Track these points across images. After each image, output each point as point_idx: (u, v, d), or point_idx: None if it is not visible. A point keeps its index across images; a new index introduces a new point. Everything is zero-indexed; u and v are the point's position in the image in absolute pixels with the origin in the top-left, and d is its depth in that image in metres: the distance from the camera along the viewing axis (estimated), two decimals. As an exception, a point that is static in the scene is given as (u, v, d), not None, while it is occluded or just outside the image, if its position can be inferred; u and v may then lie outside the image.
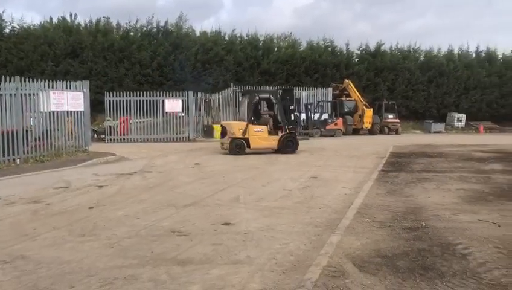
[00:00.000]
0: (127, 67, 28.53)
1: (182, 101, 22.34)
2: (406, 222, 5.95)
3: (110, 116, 21.59)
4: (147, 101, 21.80)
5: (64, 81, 14.45)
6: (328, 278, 3.91)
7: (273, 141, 15.35)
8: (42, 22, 30.26)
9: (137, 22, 30.81)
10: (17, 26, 29.28)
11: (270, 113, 16.27)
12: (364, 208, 6.76)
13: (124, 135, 21.63)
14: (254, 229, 5.66)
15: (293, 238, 5.29)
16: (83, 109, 14.87)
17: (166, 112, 22.04)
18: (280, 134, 15.42)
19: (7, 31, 29.10)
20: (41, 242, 5.15)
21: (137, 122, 22.00)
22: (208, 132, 23.25)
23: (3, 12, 31.08)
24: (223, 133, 15.52)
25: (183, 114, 22.37)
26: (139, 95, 21.88)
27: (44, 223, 6.04)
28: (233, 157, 14.40)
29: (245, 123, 15.08)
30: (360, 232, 5.44)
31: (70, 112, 14.38)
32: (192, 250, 4.85)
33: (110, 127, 21.56)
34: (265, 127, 15.23)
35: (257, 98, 15.61)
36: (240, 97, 18.78)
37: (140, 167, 11.87)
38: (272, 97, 15.79)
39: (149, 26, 30.83)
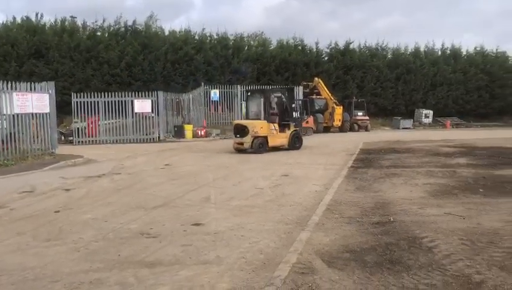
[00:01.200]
0: (94, 68, 27.99)
1: (152, 101, 22.04)
2: (374, 217, 6.03)
3: (77, 118, 21.12)
4: (115, 101, 21.42)
5: (29, 83, 14.04)
6: (297, 275, 3.92)
7: (284, 139, 16.10)
8: (4, 22, 29.38)
9: (104, 21, 30.32)
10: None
11: (275, 112, 16.11)
12: (333, 204, 6.83)
13: (92, 136, 21.20)
14: (224, 229, 5.63)
15: (263, 236, 5.28)
16: (48, 111, 14.48)
17: (136, 113, 21.72)
18: (287, 131, 16.19)
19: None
20: (3, 248, 4.98)
21: (106, 124, 21.59)
22: (179, 132, 23.04)
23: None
24: (240, 132, 15.46)
25: (153, 114, 22.09)
26: (108, 96, 21.47)
27: (8, 228, 5.85)
28: (203, 157, 14.33)
29: (264, 122, 15.44)
30: (330, 228, 5.49)
31: (36, 114, 13.98)
32: (161, 252, 4.78)
33: (78, 128, 21.09)
34: (277, 125, 15.76)
35: (273, 96, 16.07)
36: (244, 96, 20.79)
37: (108, 169, 11.65)
38: (283, 96, 16.42)
39: (117, 26, 30.38)
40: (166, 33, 31.87)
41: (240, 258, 4.50)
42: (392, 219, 5.86)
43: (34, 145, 14.03)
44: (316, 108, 28.24)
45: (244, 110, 26.91)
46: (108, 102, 21.35)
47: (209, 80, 29.20)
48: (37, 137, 14.23)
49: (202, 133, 23.63)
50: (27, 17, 29.38)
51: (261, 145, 15.23)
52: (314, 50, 34.76)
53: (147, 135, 21.97)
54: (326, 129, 28.17)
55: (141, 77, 28.60)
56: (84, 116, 21.05)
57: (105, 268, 4.30)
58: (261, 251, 4.75)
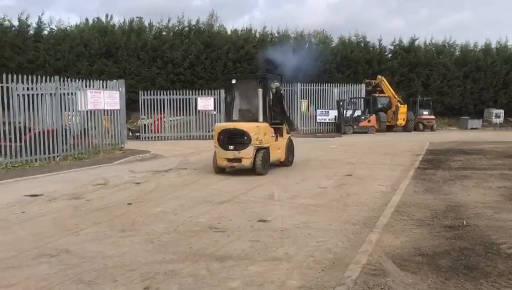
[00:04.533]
0: (159, 66, 28.96)
1: (214, 99, 22.50)
2: (446, 220, 5.81)
3: (144, 115, 22.01)
4: (180, 99, 22.11)
5: (101, 81, 14.80)
6: (368, 276, 3.87)
7: (280, 150, 11.08)
8: (78, 23, 31.11)
9: (169, 21, 31.27)
10: (55, 28, 30.20)
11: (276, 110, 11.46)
12: (402, 206, 6.65)
13: (158, 132, 21.99)
14: (290, 227, 5.65)
15: (330, 236, 5.25)
16: (119, 108, 15.19)
17: (199, 110, 22.27)
18: (280, 138, 11.16)
19: (46, 32, 30.03)
20: (83, 237, 5.30)
21: (170, 120, 22.33)
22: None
23: (42, 14, 32.12)
24: (232, 141, 9.97)
25: (215, 112, 22.53)
26: (172, 94, 22.21)
27: (86, 218, 6.21)
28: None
29: (267, 125, 10.43)
30: (399, 230, 5.36)
31: (107, 110, 14.72)
32: (230, 246, 4.88)
33: (144, 125, 21.96)
34: (273, 129, 10.79)
35: (273, 87, 10.70)
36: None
37: (175, 164, 12.04)
38: (280, 86, 11.13)
39: (181, 26, 31.22)
40: (229, 32, 32.35)
41: (308, 257, 4.50)
42: (465, 223, 5.62)
43: (105, 140, 14.78)
44: (379, 106, 27.54)
45: (304, 108, 26.92)
46: (173, 99, 22.08)
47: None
48: (108, 132, 14.97)
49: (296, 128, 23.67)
50: (98, 19, 30.96)
51: (266, 161, 10.16)
52: (377, 47, 33.87)
53: (209, 131, 22.43)
54: (389, 128, 27.40)
55: (203, 76, 29.25)
56: (151, 113, 21.88)
57: (178, 260, 4.46)
58: (329, 250, 4.72)
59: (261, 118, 10.28)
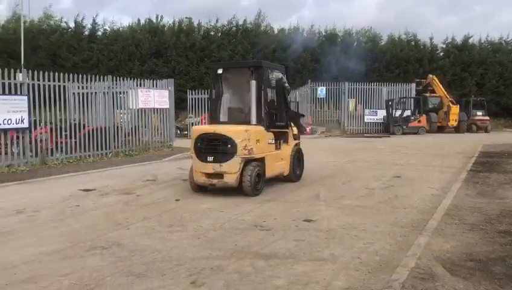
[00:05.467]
0: (207, 66, 29.43)
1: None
2: (500, 225, 5.57)
3: (192, 114, 22.41)
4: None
5: (151, 80, 15.22)
6: (416, 280, 3.77)
7: (283, 161, 8.63)
8: (130, 24, 32.16)
9: (217, 21, 31.73)
10: (108, 29, 31.38)
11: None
12: (453, 209, 6.43)
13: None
14: (336, 227, 5.60)
15: (377, 238, 5.16)
16: (168, 106, 15.58)
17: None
18: (285, 145, 8.79)
19: (99, 33, 31.24)
20: (133, 231, 5.47)
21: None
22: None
23: (96, 16, 33.45)
24: (211, 149, 7.57)
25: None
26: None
27: (135, 213, 6.42)
28: (308, 153, 14.26)
29: (261, 128, 7.88)
30: (450, 234, 5.18)
31: (157, 109, 15.13)
32: (275, 245, 4.90)
33: (192, 123, 22.35)
34: (272, 134, 8.27)
35: (272, 78, 8.17)
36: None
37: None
38: (283, 78, 8.54)
39: (229, 25, 31.58)
40: (275, 31, 32.42)
41: (354, 258, 4.44)
42: (522, 229, 5.36)
43: (155, 137, 15.21)
44: (430, 106, 26.71)
45: (351, 107, 26.52)
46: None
47: (316, 76, 29.11)
48: (157, 130, 15.39)
49: (308, 130, 23.66)
50: (149, 19, 31.87)
51: (258, 179, 7.64)
52: (428, 46, 32.92)
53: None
54: (440, 129, 26.50)
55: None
56: (198, 112, 22.25)
57: (224, 256, 4.52)
58: (376, 252, 4.64)
59: (254, 119, 7.82)
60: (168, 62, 29.54)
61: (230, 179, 7.42)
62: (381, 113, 25.84)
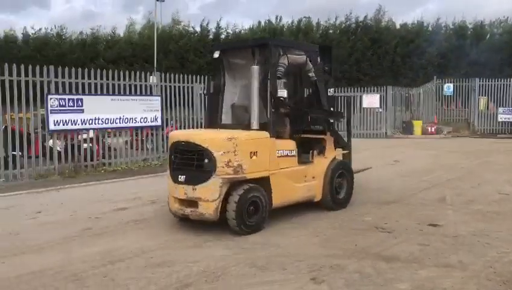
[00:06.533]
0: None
1: (380, 96, 21.88)
2: None
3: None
4: (344, 97, 22.04)
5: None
6: None
7: (312, 182, 6.20)
8: (251, 26, 33.33)
9: (336, 19, 31.42)
10: (231, 32, 32.89)
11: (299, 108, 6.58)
12: None
13: (321, 130, 22.28)
14: (465, 233, 5.22)
15: (513, 247, 4.71)
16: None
17: (364, 108, 21.90)
18: (318, 158, 6.42)
19: (223, 36, 32.89)
20: (255, 225, 5.68)
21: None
22: (407, 128, 22.27)
23: (220, 20, 35.22)
24: (185, 164, 5.48)
25: (381, 110, 21.90)
26: (337, 91, 22.23)
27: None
28: (434, 155, 13.42)
29: (262, 133, 5.58)
30: None
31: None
32: (397, 247, 4.74)
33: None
34: (292, 143, 6.03)
35: (283, 63, 5.78)
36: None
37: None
38: (310, 62, 6.15)
39: (348, 23, 31.09)
40: (397, 27, 31.13)
41: (487, 267, 4.12)
42: None
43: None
44: None
45: (482, 105, 24.37)
46: (337, 97, 22.11)
47: (442, 72, 27.27)
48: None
49: (432, 130, 22.29)
50: (269, 21, 32.71)
51: (254, 211, 5.35)
52: None
53: (373, 130, 21.93)
54: None
55: (369, 72, 28.68)
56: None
57: (343, 255, 4.50)
58: (512, 262, 4.25)
59: (255, 120, 5.61)
60: (287, 62, 30.03)
61: (207, 209, 5.18)
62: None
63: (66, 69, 10.23)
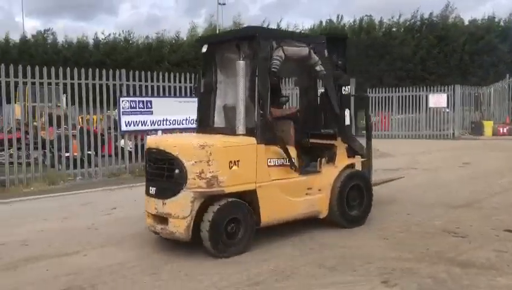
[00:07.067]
0: (388, 63, 28.62)
1: (448, 95, 21.02)
2: None
3: (371, 113, 22.06)
4: (408, 96, 21.40)
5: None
6: None
7: (315, 194, 5.34)
8: (312, 26, 33.23)
9: (400, 17, 30.59)
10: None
11: (294, 109, 6.33)
12: None
13: (384, 130, 21.79)
14: (546, 241, 4.94)
15: None
16: (348, 106, 15.63)
17: (430, 108, 21.13)
18: (326, 168, 5.51)
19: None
20: (325, 225, 5.66)
21: (398, 118, 21.84)
22: (476, 129, 21.24)
23: (280, 21, 35.41)
24: (157, 176, 4.83)
25: (448, 110, 21.04)
26: (401, 91, 21.65)
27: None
28: (506, 158, 12.69)
29: (246, 139, 4.82)
30: None
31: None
32: (472, 253, 4.57)
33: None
34: (292, 149, 5.19)
35: (277, 58, 4.92)
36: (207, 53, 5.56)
37: (404, 164, 11.75)
38: (313, 57, 5.25)
39: (412, 20, 30.18)
40: (466, 23, 29.77)
41: None
42: None
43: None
44: None
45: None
46: (401, 97, 21.52)
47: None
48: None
49: (505, 130, 21.11)
50: (330, 20, 32.43)
51: (234, 229, 4.61)
52: None
53: (440, 130, 21.11)
54: None
55: (435, 71, 27.66)
56: (377, 111, 21.81)
57: (415, 259, 4.40)
58: None
59: (241, 124, 4.84)
60: (348, 61, 29.55)
61: (177, 227, 4.51)
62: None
63: (136, 72, 10.74)
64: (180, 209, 4.48)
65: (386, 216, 6.14)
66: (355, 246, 4.86)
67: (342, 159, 5.62)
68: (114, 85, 10.40)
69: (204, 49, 5.41)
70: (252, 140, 4.77)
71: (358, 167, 6.14)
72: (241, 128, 4.83)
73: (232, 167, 4.56)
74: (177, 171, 4.50)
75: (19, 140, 9.16)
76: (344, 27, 31.63)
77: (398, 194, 7.68)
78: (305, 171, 5.33)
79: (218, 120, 5.55)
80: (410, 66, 28.07)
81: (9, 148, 9.55)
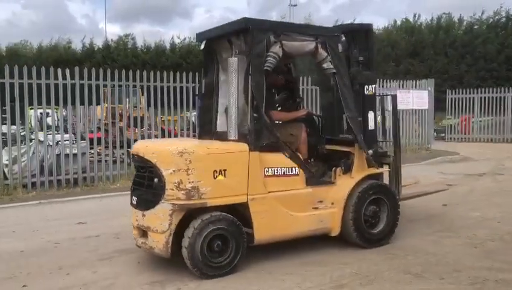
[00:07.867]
0: (469, 63, 27.18)
1: (539, 96, 19.54)
2: None
3: (450, 115, 21.05)
4: (492, 97, 20.11)
5: (411, 81, 15.01)
6: None
7: (325, 209, 4.68)
8: (386, 26, 32.34)
9: (482, 13, 28.92)
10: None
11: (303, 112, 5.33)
12: None
13: (464, 134, 20.68)
14: None
15: None
16: (427, 108, 15.08)
17: (517, 110, 19.75)
18: (339, 178, 4.85)
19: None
20: (400, 232, 5.50)
21: (480, 121, 20.62)
22: None
23: (353, 20, 34.75)
24: (139, 186, 4.42)
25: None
26: (484, 92, 20.41)
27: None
28: None
29: (240, 145, 4.26)
30: None
31: (415, 110, 14.83)
32: None
33: (450, 125, 21.03)
34: (297, 157, 4.58)
35: (274, 54, 4.31)
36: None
37: (488, 169, 11.10)
38: (321, 52, 4.59)
39: (496, 17, 28.42)
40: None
41: None
42: None
43: (412, 139, 14.93)
44: None
45: None
46: (484, 98, 20.28)
47: None
48: (415, 132, 15.07)
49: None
50: (406, 19, 31.40)
51: (222, 248, 4.08)
52: None
53: (527, 134, 19.67)
54: None
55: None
56: (457, 113, 20.75)
57: (509, 270, 4.16)
58: None
59: (233, 129, 4.35)
60: (425, 61, 28.47)
61: (156, 242, 4.09)
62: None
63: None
64: (159, 222, 4.03)
65: (474, 223, 5.87)
66: (441, 253, 4.67)
67: (360, 169, 4.89)
68: (193, 87, 10.74)
69: (202, 46, 4.97)
70: (244, 146, 4.21)
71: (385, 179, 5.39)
72: (232, 133, 4.32)
73: (217, 176, 4.04)
74: (156, 180, 4.07)
75: (103, 139, 9.82)
76: (421, 26, 30.46)
77: (485, 199, 7.31)
78: (314, 182, 4.67)
79: (221, 124, 4.95)
80: (493, 65, 26.40)
81: (91, 147, 10.07)
